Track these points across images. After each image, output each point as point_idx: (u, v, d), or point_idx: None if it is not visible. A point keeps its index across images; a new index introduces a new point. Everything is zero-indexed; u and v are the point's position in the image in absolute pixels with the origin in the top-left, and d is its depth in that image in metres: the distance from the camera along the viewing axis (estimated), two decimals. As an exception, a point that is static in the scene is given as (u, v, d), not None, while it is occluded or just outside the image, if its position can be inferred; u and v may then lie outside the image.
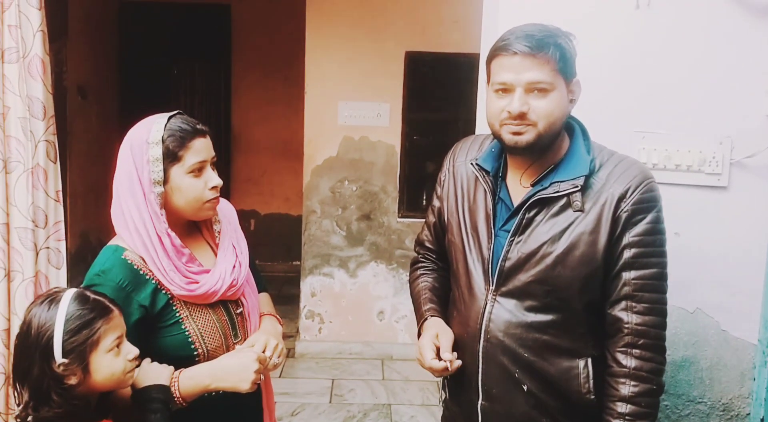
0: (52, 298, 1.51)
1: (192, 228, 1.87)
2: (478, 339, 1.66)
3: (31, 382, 1.47)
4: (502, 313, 1.64)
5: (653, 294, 1.63)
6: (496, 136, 1.66)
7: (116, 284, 1.66)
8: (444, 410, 1.92)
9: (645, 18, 2.08)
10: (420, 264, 1.98)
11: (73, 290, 1.54)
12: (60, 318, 1.47)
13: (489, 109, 1.65)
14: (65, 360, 1.46)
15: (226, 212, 1.94)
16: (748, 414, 2.16)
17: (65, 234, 2.27)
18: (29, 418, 1.49)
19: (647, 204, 1.62)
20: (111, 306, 1.54)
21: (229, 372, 1.70)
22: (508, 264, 1.64)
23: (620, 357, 1.62)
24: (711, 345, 2.16)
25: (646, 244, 1.62)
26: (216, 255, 1.85)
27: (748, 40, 2.08)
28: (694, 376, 2.17)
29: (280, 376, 4.74)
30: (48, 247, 2.21)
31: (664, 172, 2.10)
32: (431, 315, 1.80)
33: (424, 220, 1.99)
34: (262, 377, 1.75)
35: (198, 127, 1.74)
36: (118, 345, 1.53)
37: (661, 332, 1.64)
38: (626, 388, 1.60)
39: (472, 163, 1.76)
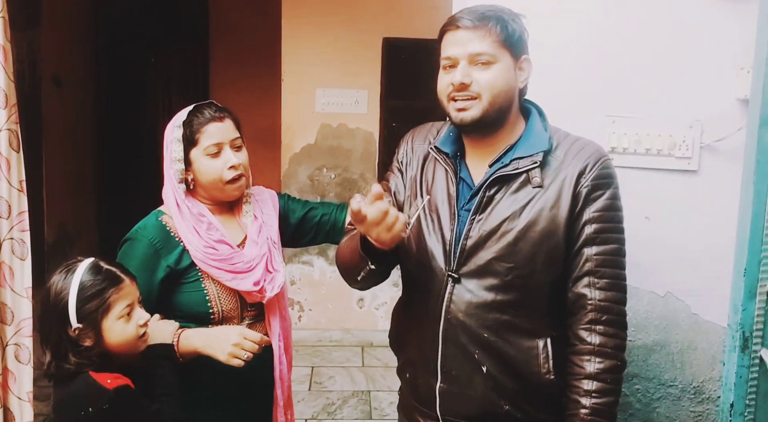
0: (69, 268, 1.67)
1: (228, 211, 2.00)
2: (438, 320, 1.65)
3: (51, 344, 1.66)
4: (463, 293, 1.63)
5: (614, 269, 1.63)
6: (446, 114, 1.68)
7: (148, 241, 1.85)
8: (400, 398, 1.90)
9: (615, 1, 2.07)
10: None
11: (90, 260, 1.69)
12: (74, 287, 1.63)
13: (438, 86, 1.68)
14: (80, 326, 1.63)
15: (263, 204, 2.07)
16: (719, 397, 2.16)
17: (42, 225, 2.23)
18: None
19: (605, 180, 1.63)
20: (122, 275, 1.69)
21: (212, 339, 1.80)
22: (469, 242, 1.63)
23: (584, 334, 1.61)
24: (682, 329, 2.16)
25: (606, 220, 1.62)
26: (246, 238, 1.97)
27: (717, 23, 2.06)
28: (665, 360, 2.17)
29: (259, 365, 4.72)
30: (12, 238, 2.16)
31: (635, 156, 2.09)
32: None
33: None
34: (248, 355, 1.77)
35: (214, 113, 1.88)
36: (129, 313, 1.67)
37: (622, 308, 1.64)
38: (591, 365, 1.59)
39: (431, 148, 1.76)
